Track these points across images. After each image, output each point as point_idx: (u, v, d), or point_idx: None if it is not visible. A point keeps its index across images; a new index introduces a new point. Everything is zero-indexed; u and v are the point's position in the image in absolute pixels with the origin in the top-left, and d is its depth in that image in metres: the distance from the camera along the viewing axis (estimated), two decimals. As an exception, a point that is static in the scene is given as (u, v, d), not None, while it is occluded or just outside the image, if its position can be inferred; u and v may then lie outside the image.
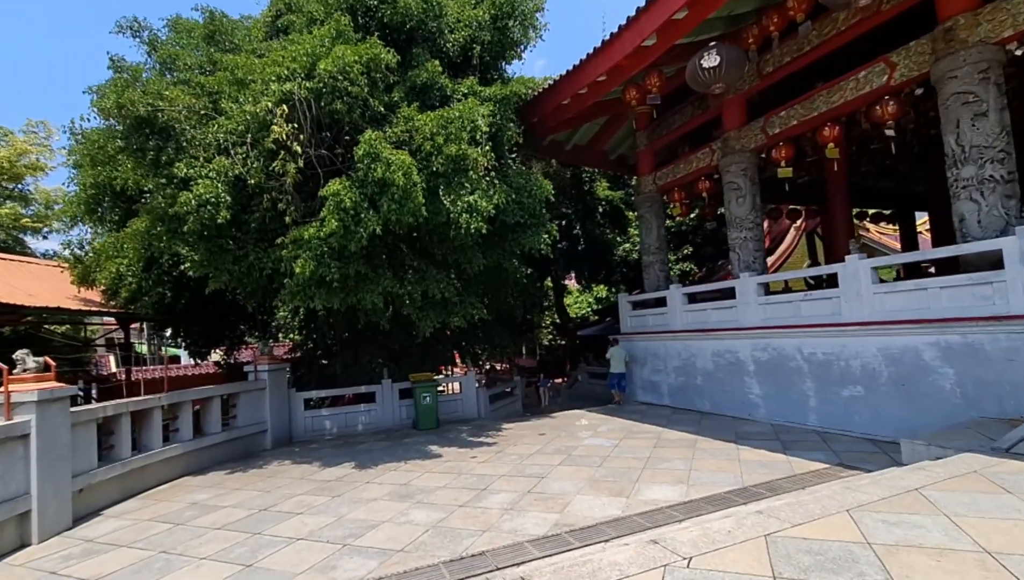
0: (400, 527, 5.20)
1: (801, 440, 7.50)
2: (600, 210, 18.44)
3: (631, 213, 20.85)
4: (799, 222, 19.73)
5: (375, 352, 12.02)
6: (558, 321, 29.31)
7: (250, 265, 8.47)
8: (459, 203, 8.39)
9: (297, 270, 7.59)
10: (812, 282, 17.74)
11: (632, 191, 20.45)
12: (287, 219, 7.94)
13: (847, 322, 7.81)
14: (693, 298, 11.73)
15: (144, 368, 22.33)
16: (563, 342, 31.23)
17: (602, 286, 30.68)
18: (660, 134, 12.81)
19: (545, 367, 26.15)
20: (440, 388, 14.29)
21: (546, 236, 10.70)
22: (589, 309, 33.51)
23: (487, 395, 12.21)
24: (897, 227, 18.72)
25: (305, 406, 10.72)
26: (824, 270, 8.83)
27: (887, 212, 17.67)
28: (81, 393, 13.41)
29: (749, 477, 5.97)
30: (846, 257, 8.05)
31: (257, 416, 9.62)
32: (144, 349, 31.73)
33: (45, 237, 18.70)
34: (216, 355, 22.06)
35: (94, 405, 7.01)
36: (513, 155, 10.91)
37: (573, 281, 32.18)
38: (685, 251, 20.96)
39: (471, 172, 8.17)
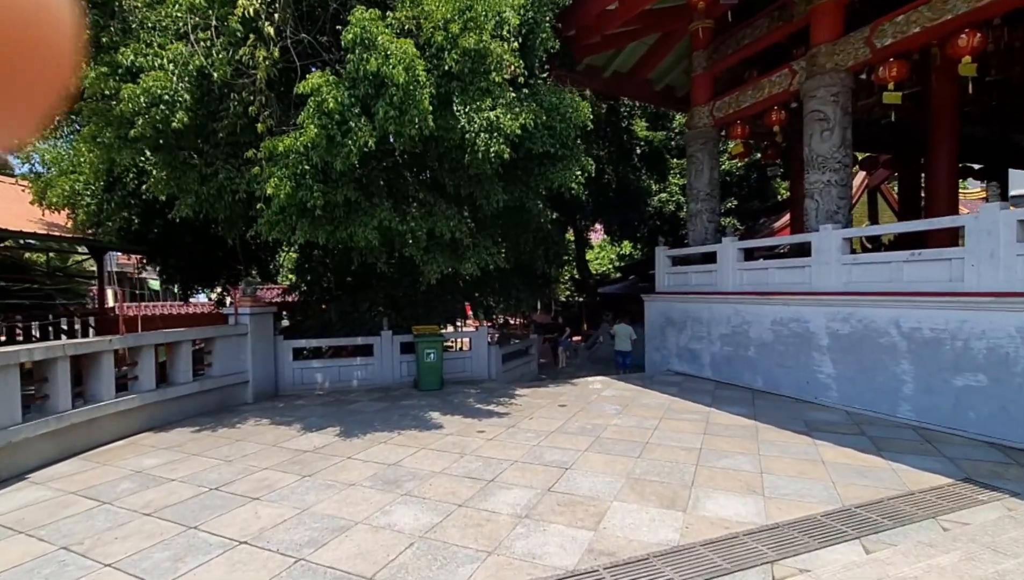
0: (377, 534, 3.86)
1: (895, 438, 5.92)
2: (637, 152, 16.31)
3: (673, 159, 18.67)
4: (863, 175, 17.37)
5: (375, 299, 10.62)
6: (577, 276, 27.69)
7: (220, 186, 6.92)
8: (477, 119, 6.64)
9: (269, 191, 6.03)
10: (870, 245, 15.67)
11: (675, 133, 18.18)
12: (259, 126, 6.30)
13: (973, 291, 6.02)
14: (750, 255, 9.94)
15: (146, 304, 21.54)
16: (581, 299, 29.72)
17: (627, 242, 28.74)
18: (724, 54, 10.59)
19: (566, 324, 24.79)
20: (447, 343, 12.98)
21: (579, 172, 8.93)
22: (611, 265, 31.73)
23: (499, 354, 10.82)
24: (989, 185, 16.24)
25: (295, 356, 9.47)
26: (942, 223, 6.95)
27: (976, 167, 15.21)
28: (78, 328, 12.48)
29: (846, 490, 4.45)
30: (980, 206, 6.15)
31: (236, 365, 8.38)
32: (156, 285, 31.17)
33: (28, 157, 17.34)
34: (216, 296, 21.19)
35: (14, 347, 5.74)
36: (545, 74, 8.97)
37: (596, 234, 30.21)
38: (728, 204, 18.83)
39: (494, 74, 6.34)
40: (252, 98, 6.29)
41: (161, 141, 6.44)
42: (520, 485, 4.72)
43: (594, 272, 30.92)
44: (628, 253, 29.92)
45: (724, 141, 13.35)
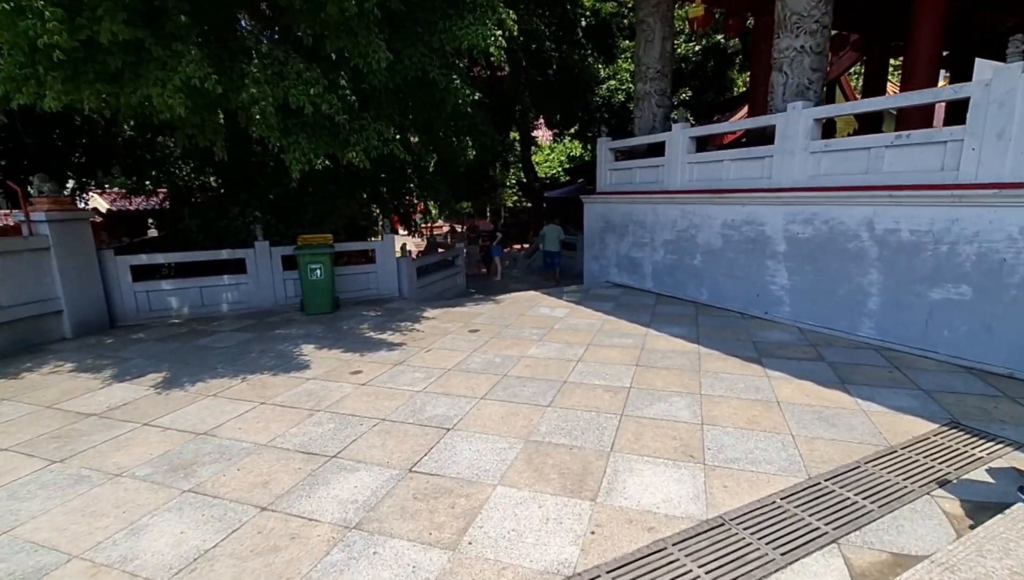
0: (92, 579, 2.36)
1: (859, 363, 4.91)
2: (583, 25, 13.76)
3: (623, 40, 16.21)
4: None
5: (249, 202, 8.43)
6: (524, 180, 25.65)
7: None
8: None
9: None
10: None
11: (627, 9, 15.55)
12: None
13: (971, 183, 4.77)
14: (703, 145, 8.40)
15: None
16: (529, 204, 27.92)
17: (575, 142, 26.59)
18: None
19: (504, 231, 23.14)
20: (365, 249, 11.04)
21: (498, 30, 6.85)
22: (560, 168, 29.73)
23: (412, 267, 9.14)
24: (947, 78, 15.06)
25: (138, 276, 7.36)
26: (942, 94, 5.54)
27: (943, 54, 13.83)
28: None
29: (810, 449, 3.33)
30: (993, 68, 4.71)
31: (37, 291, 6.27)
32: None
33: None
34: (96, 201, 17.74)
35: None
36: None
37: (543, 133, 27.74)
38: (682, 95, 16.90)
39: None
40: None
41: None
42: (372, 463, 3.30)
43: (543, 175, 28.87)
44: (578, 154, 27.87)
45: (681, 4, 11.18)
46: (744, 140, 9.46)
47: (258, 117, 5.53)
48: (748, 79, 15.25)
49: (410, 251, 11.68)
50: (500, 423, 3.81)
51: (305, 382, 4.79)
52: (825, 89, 14.55)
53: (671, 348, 5.52)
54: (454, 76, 7.90)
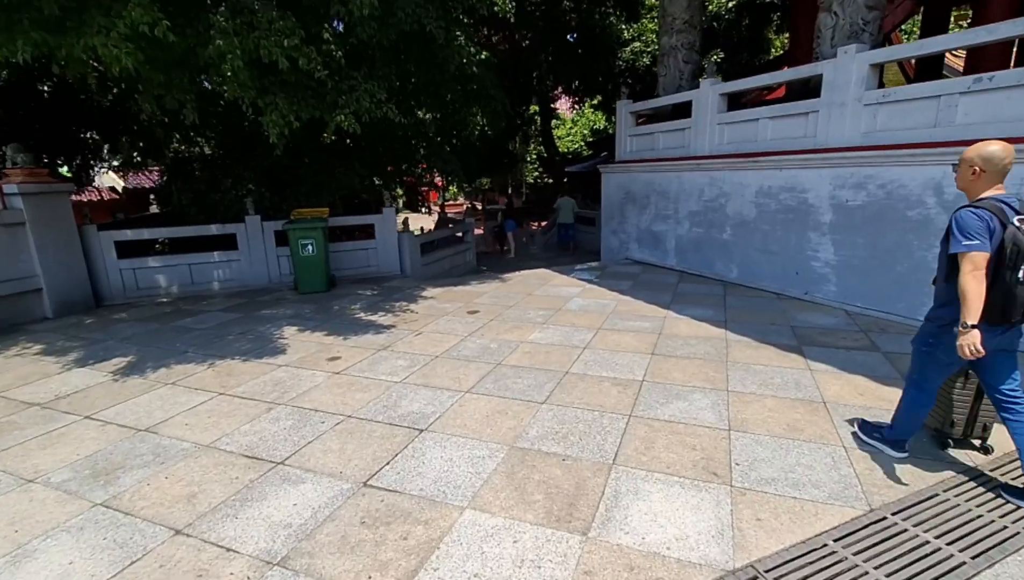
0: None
1: (922, 353, 4.10)
2: (605, -20, 12.65)
3: (648, -3, 14.97)
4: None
5: (243, 174, 7.93)
6: (546, 155, 24.67)
7: None
8: None
9: None
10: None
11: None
12: None
13: (1080, 131, 3.84)
14: (736, 103, 7.46)
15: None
16: (551, 180, 26.98)
17: (599, 114, 25.37)
18: None
19: (526, 208, 22.30)
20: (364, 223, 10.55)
21: (503, -26, 6.06)
22: (583, 142, 28.56)
23: (416, 243, 8.54)
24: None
25: (123, 253, 6.98)
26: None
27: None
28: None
29: (870, 467, 2.61)
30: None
31: (14, 269, 5.93)
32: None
33: None
34: (111, 177, 17.64)
35: None
36: None
37: (565, 103, 26.57)
38: (714, 57, 15.58)
39: None
40: None
41: None
42: (322, 472, 2.75)
43: (565, 150, 27.77)
44: (602, 127, 26.63)
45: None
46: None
47: (229, 73, 4.93)
48: (787, 40, 13.92)
49: (421, 226, 11.13)
50: (483, 424, 3.21)
51: (276, 369, 4.28)
52: (882, 35, 13.07)
53: (694, 333, 4.80)
54: (457, 32, 7.19)
